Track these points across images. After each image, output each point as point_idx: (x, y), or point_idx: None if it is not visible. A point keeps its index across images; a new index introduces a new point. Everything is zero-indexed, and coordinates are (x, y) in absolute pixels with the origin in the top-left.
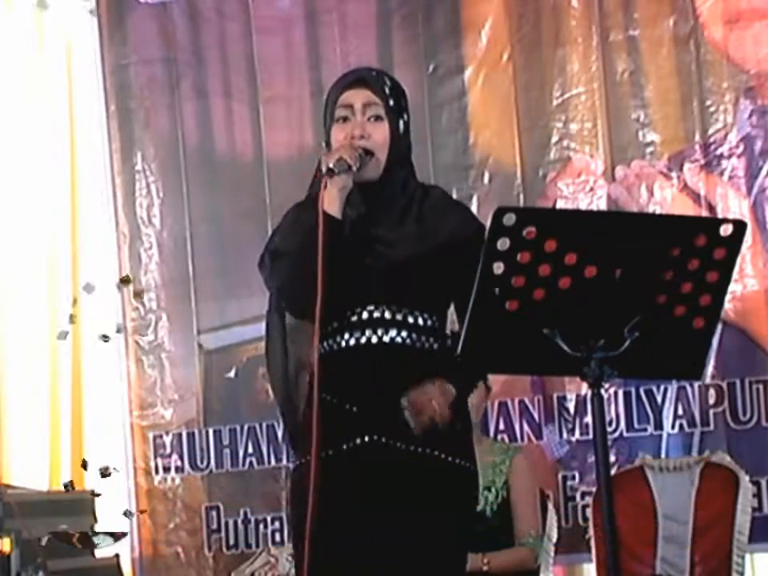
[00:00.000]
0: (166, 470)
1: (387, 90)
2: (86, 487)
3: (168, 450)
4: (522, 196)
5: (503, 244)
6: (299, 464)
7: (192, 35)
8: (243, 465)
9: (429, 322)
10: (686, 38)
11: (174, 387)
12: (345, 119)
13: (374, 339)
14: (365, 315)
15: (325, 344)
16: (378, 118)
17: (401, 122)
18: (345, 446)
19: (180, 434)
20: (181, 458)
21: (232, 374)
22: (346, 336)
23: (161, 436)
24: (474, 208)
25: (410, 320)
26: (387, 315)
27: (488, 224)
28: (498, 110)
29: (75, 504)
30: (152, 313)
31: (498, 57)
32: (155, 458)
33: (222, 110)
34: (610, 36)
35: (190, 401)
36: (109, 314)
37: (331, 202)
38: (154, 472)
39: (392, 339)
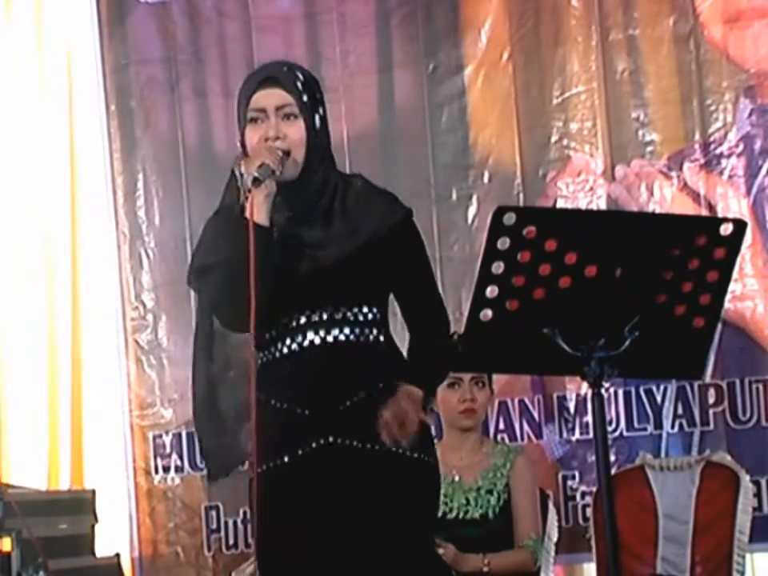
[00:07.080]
0: (166, 469)
1: (300, 86)
2: (86, 487)
3: (168, 450)
4: (521, 195)
5: (503, 243)
6: (260, 471)
7: (192, 35)
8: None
9: (370, 315)
10: (686, 37)
11: (173, 387)
12: (258, 120)
13: (317, 340)
14: (302, 320)
15: (264, 353)
16: (292, 116)
17: (316, 117)
18: (300, 452)
19: (180, 434)
20: (181, 457)
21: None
22: (288, 341)
23: (161, 436)
24: (473, 208)
25: (350, 316)
26: (325, 316)
27: (488, 224)
28: (497, 110)
29: (75, 504)
30: (152, 313)
31: (498, 56)
32: (155, 457)
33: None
34: (610, 35)
35: (190, 400)
36: (109, 313)
37: (258, 210)
38: (153, 472)
39: (335, 338)
